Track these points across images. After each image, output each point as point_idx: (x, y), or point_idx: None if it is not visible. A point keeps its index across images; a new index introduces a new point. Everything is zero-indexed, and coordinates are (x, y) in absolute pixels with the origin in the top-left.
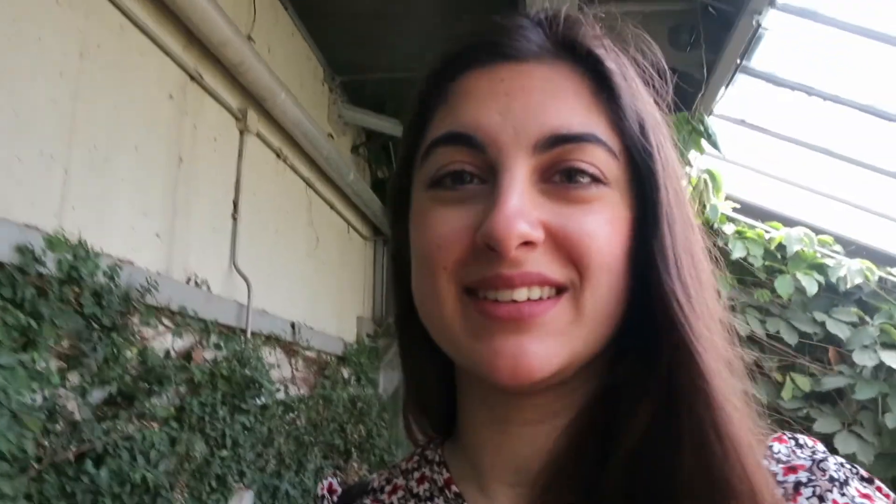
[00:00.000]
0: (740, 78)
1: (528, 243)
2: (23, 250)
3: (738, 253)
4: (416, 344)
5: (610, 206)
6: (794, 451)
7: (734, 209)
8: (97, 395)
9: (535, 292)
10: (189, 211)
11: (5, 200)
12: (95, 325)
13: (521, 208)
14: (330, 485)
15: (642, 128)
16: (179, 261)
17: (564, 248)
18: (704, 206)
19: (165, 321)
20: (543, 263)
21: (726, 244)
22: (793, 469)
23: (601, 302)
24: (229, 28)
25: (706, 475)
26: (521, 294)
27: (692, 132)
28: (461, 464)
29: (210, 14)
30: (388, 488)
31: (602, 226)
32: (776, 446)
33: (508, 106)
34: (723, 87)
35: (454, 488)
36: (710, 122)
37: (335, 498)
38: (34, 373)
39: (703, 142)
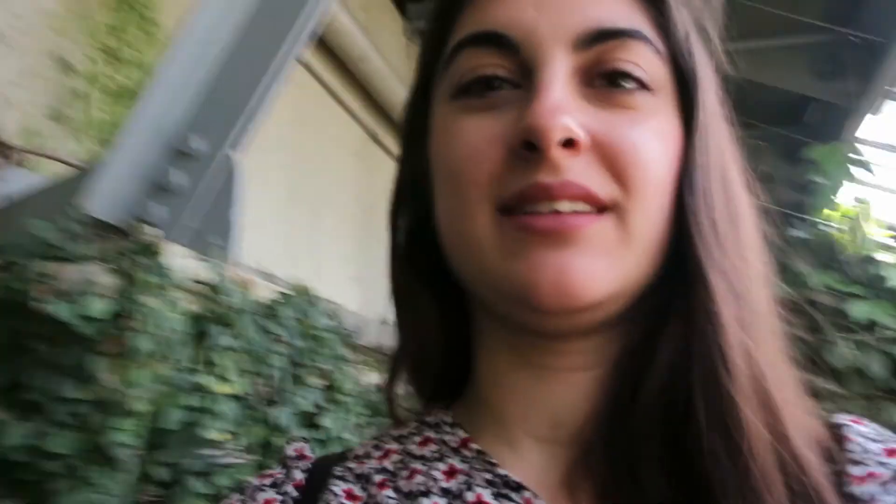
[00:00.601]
0: (888, 103)
1: (570, 144)
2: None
3: (894, 281)
4: (420, 286)
5: (658, 116)
6: (882, 433)
7: (891, 237)
8: None
9: (579, 205)
10: (376, 257)
11: (261, 256)
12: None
13: (564, 102)
14: (301, 450)
15: (688, 32)
16: (372, 302)
17: (609, 159)
18: (858, 236)
19: (369, 359)
20: (586, 175)
21: (882, 272)
22: (894, 452)
23: (649, 224)
24: (404, 90)
25: (723, 446)
26: (563, 206)
27: (843, 162)
28: (480, 422)
29: (388, 77)
30: (376, 454)
31: (651, 138)
32: (856, 427)
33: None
34: (868, 114)
35: (474, 445)
36: (860, 149)
37: (307, 464)
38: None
39: (853, 169)
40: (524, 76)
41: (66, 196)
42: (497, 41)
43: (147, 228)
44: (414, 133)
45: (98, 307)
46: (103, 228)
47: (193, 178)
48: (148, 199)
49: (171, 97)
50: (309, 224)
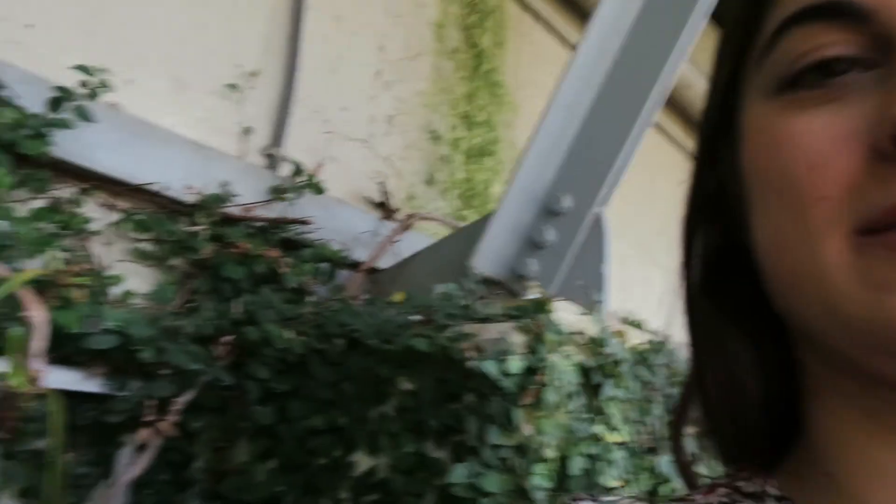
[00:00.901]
0: None
1: None
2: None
3: None
4: (725, 322)
5: None
6: None
7: None
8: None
9: None
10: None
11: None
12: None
13: None
14: None
15: None
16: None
17: None
18: None
19: None
20: None
21: None
22: None
23: None
24: None
25: None
26: None
27: None
28: (818, 500)
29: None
30: None
31: None
32: None
33: None
34: None
35: None
36: None
37: None
38: None
39: None
40: (882, 53)
41: (449, 253)
42: (838, 12)
43: (530, 285)
44: (716, 139)
45: (517, 364)
46: (492, 285)
47: (563, 235)
48: (524, 256)
49: (542, 162)
50: (642, 259)
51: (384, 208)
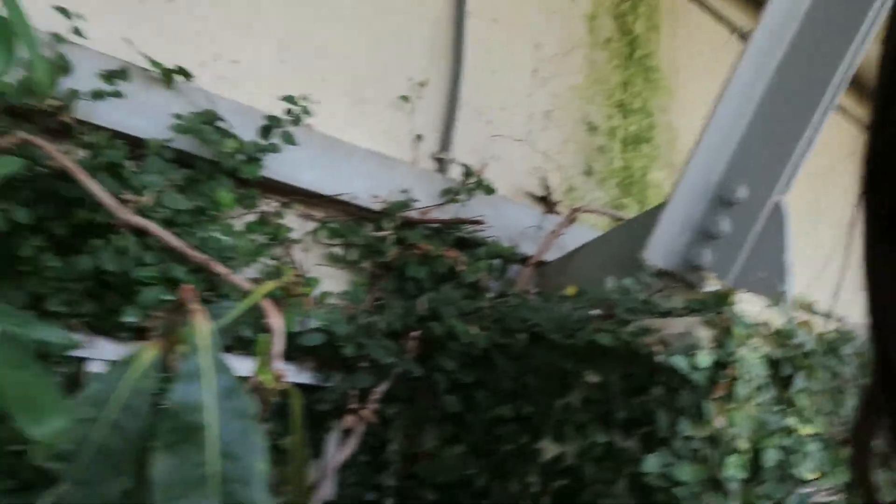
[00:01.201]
0: None
1: None
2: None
3: None
4: None
5: None
6: None
7: None
8: None
9: None
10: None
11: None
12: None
13: None
14: None
15: None
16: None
17: None
18: None
19: None
20: None
21: None
22: None
23: None
24: None
25: None
26: None
27: None
28: None
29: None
30: None
31: None
32: None
33: None
34: None
35: None
36: None
37: None
38: None
39: None
40: None
41: (616, 246)
42: None
43: (706, 276)
44: (892, 98)
45: (706, 358)
46: (666, 277)
47: (739, 225)
48: (697, 248)
49: (714, 153)
50: (818, 241)
51: (546, 202)
